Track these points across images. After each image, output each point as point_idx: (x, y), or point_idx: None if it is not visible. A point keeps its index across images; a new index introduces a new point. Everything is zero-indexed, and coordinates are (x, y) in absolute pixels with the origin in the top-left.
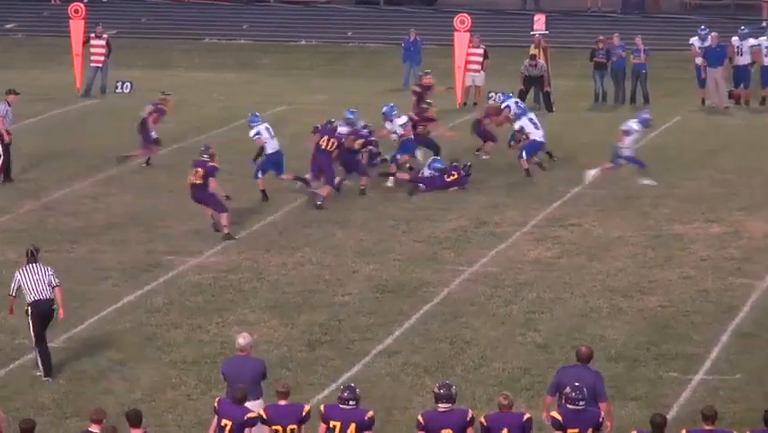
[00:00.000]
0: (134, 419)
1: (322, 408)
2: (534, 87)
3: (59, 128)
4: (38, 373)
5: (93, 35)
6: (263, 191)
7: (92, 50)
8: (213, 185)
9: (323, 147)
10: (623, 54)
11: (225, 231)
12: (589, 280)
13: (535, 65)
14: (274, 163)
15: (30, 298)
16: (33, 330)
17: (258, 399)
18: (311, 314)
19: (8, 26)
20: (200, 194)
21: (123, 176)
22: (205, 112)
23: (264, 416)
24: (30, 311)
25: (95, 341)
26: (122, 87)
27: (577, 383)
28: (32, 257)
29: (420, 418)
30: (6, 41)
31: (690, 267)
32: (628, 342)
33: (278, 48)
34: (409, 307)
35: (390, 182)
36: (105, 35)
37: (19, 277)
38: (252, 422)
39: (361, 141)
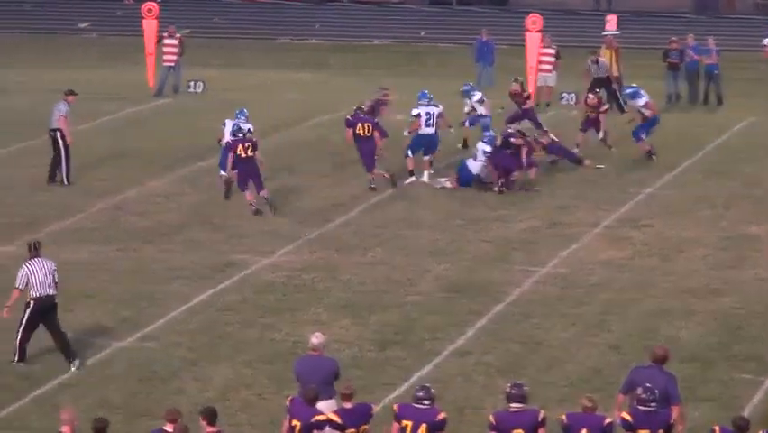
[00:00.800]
0: (210, 416)
1: (395, 407)
2: (605, 88)
3: (131, 127)
4: (14, 363)
5: (166, 34)
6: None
7: (165, 49)
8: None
9: (361, 135)
10: (695, 56)
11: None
12: (661, 282)
13: (596, 61)
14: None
15: (34, 293)
16: (26, 323)
17: (330, 399)
18: (383, 314)
19: (81, 26)
20: (253, 166)
21: (195, 175)
22: (277, 112)
23: (339, 421)
24: (32, 305)
25: (166, 341)
26: (194, 87)
27: (648, 384)
28: (36, 251)
29: (492, 418)
30: (80, 40)
31: (763, 268)
32: (701, 343)
33: (351, 48)
34: (481, 307)
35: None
36: (178, 35)
37: (27, 271)
38: (319, 425)
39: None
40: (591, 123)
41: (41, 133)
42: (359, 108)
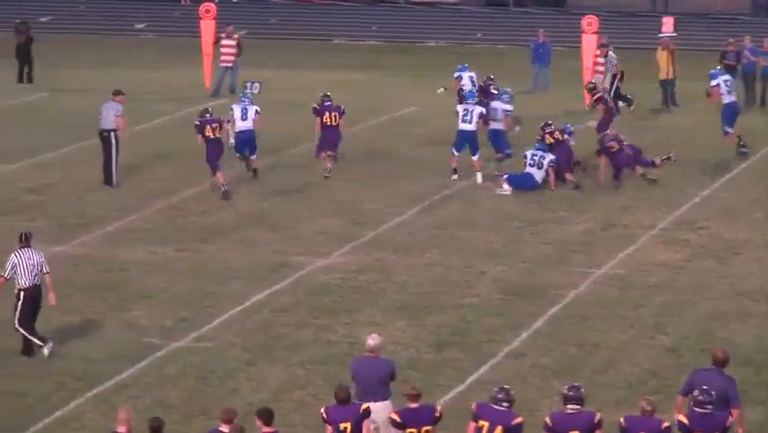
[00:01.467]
0: (267, 417)
1: (474, 405)
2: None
3: (188, 127)
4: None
5: (224, 35)
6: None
7: (222, 50)
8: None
9: (328, 123)
10: (752, 57)
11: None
12: (717, 284)
13: (606, 55)
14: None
15: (23, 282)
16: (21, 312)
17: (386, 400)
18: (439, 315)
19: (138, 26)
20: (219, 147)
21: (250, 175)
22: None
23: (398, 420)
24: (22, 295)
25: (222, 341)
26: (251, 88)
27: (705, 387)
28: (26, 242)
29: (548, 419)
30: (137, 41)
31: None
32: (757, 346)
33: (407, 48)
34: (537, 309)
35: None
36: (235, 35)
37: (15, 260)
38: (367, 413)
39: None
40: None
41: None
42: (325, 96)
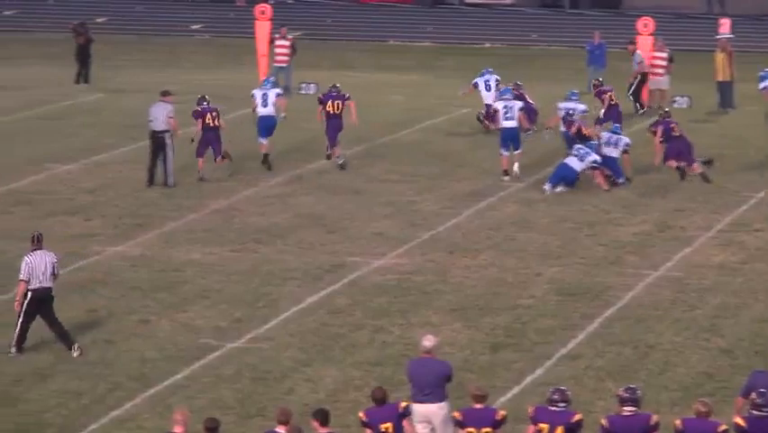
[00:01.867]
0: (323, 417)
1: (531, 409)
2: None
3: (243, 128)
4: (11, 353)
5: (278, 36)
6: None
7: (276, 50)
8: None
9: (331, 112)
10: None
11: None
12: None
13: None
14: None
15: (32, 284)
16: (24, 314)
17: (442, 401)
18: (494, 317)
19: (194, 27)
20: (216, 134)
21: (307, 177)
22: (387, 113)
23: (459, 418)
24: (29, 296)
25: (278, 341)
26: (306, 88)
27: (763, 389)
28: (38, 243)
29: (604, 421)
30: (192, 41)
31: None
32: None
33: (462, 50)
34: (592, 310)
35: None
36: (289, 36)
37: (29, 262)
38: (407, 412)
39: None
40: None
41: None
42: (333, 87)
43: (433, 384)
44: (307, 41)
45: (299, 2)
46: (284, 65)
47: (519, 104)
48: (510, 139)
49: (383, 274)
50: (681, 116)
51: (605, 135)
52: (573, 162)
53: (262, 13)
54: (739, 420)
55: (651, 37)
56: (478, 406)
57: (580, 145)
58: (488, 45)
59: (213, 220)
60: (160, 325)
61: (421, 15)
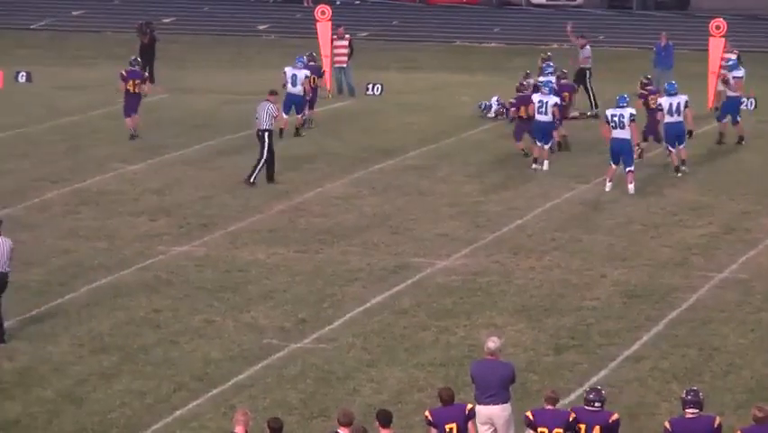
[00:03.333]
0: (384, 419)
1: (570, 411)
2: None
3: (310, 129)
4: None
5: (335, 36)
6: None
7: (335, 51)
8: None
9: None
10: None
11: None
12: None
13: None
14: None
15: None
16: None
17: (506, 403)
18: (558, 318)
19: (261, 27)
20: (137, 99)
21: (372, 177)
22: (453, 113)
23: (531, 418)
24: None
25: (342, 342)
26: (372, 89)
27: None
28: None
29: (667, 424)
30: (259, 42)
31: None
32: None
33: (529, 50)
34: (657, 312)
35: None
36: (347, 36)
37: None
38: (472, 414)
39: None
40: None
41: (222, 133)
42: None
43: (496, 386)
44: (375, 41)
45: (365, 2)
46: (343, 65)
47: (556, 99)
48: (541, 132)
49: (448, 275)
50: (746, 117)
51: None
52: (619, 134)
53: (323, 13)
54: None
55: (722, 39)
56: (549, 407)
57: (612, 111)
58: (555, 45)
59: (278, 221)
60: (225, 325)
61: (488, 16)
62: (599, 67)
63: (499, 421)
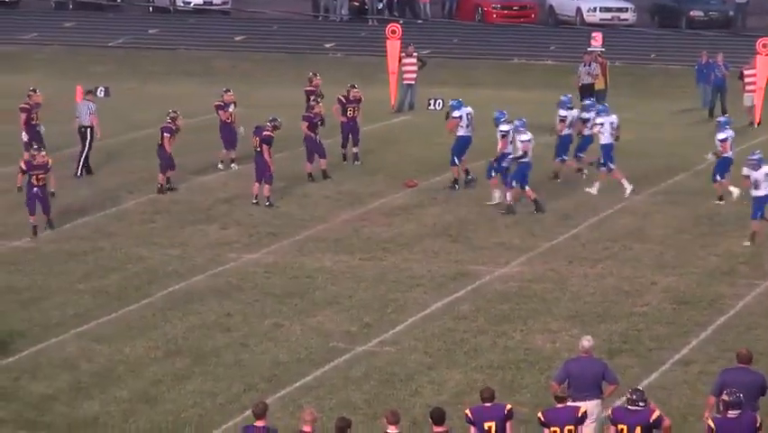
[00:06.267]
0: (438, 417)
1: (610, 411)
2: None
3: (372, 142)
4: None
5: (404, 54)
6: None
7: (404, 68)
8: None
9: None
10: None
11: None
12: None
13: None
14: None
15: None
16: None
17: (597, 399)
18: (611, 323)
19: (328, 46)
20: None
21: (431, 189)
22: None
23: (542, 418)
24: None
25: (405, 345)
26: (434, 105)
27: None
28: None
29: (711, 422)
30: (326, 59)
31: None
32: None
33: None
34: (705, 318)
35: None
36: (415, 54)
37: None
38: (511, 414)
39: None
40: None
41: (290, 147)
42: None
43: (590, 382)
44: (435, 59)
45: (427, 22)
46: (411, 82)
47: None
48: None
49: (505, 282)
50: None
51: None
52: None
53: (393, 32)
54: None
55: None
56: (632, 408)
57: None
58: (608, 63)
59: (342, 230)
60: (293, 329)
61: (544, 35)
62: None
63: (593, 416)
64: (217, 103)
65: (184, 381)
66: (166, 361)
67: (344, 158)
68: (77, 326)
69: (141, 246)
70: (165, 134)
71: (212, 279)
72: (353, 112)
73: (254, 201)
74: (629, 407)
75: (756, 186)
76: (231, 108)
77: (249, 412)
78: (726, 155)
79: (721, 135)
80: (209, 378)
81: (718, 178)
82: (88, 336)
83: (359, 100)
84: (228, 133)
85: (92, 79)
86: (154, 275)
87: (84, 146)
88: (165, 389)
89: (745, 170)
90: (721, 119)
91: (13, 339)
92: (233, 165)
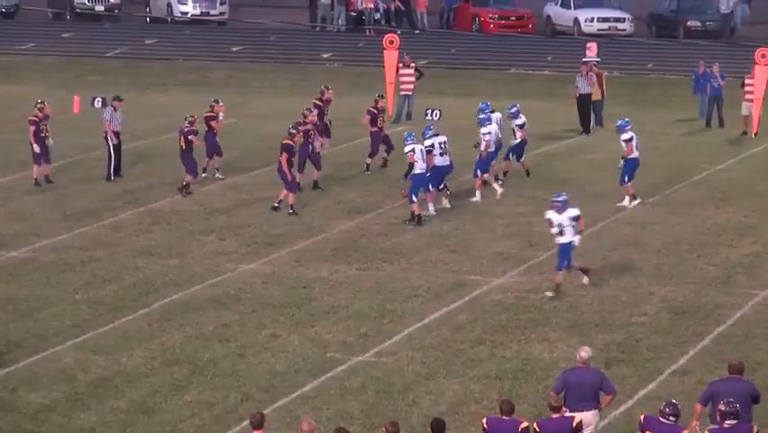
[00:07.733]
0: (437, 427)
1: (641, 417)
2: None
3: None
4: None
5: (401, 65)
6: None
7: (402, 78)
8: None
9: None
10: None
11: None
12: None
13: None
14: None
15: None
16: None
17: (594, 409)
18: (608, 333)
19: (325, 56)
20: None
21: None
22: (507, 138)
23: (537, 429)
24: None
25: (402, 356)
26: (431, 115)
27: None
28: None
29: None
30: (324, 69)
31: None
32: None
33: None
34: (703, 328)
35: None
36: (412, 64)
37: None
38: (526, 431)
39: None
40: None
41: None
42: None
43: (589, 392)
44: (433, 69)
45: (425, 32)
46: (409, 93)
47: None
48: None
49: (503, 292)
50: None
51: None
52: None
53: (391, 42)
54: None
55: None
56: (664, 421)
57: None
58: (605, 73)
59: (340, 240)
60: (290, 339)
61: (541, 45)
62: (648, 92)
63: (590, 426)
64: (208, 114)
65: (181, 391)
66: (163, 371)
67: (367, 168)
68: (74, 336)
69: (138, 256)
70: (190, 137)
71: (209, 289)
72: (383, 122)
73: (275, 205)
74: (661, 419)
75: (561, 232)
76: (220, 117)
77: (246, 423)
78: (631, 156)
79: (625, 136)
80: (207, 388)
81: (626, 179)
82: (86, 346)
83: (384, 110)
84: (213, 142)
85: (90, 89)
86: (152, 285)
87: (111, 152)
88: (162, 399)
89: (549, 214)
90: (620, 121)
91: (10, 349)
92: (217, 174)
